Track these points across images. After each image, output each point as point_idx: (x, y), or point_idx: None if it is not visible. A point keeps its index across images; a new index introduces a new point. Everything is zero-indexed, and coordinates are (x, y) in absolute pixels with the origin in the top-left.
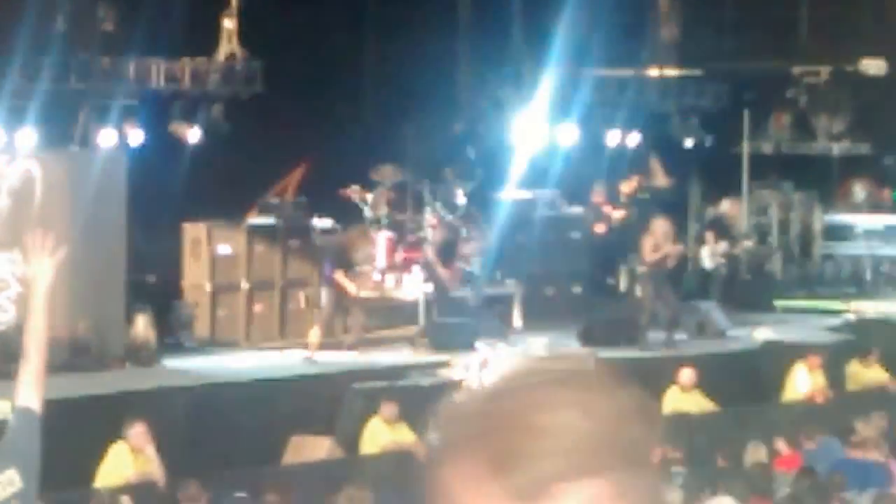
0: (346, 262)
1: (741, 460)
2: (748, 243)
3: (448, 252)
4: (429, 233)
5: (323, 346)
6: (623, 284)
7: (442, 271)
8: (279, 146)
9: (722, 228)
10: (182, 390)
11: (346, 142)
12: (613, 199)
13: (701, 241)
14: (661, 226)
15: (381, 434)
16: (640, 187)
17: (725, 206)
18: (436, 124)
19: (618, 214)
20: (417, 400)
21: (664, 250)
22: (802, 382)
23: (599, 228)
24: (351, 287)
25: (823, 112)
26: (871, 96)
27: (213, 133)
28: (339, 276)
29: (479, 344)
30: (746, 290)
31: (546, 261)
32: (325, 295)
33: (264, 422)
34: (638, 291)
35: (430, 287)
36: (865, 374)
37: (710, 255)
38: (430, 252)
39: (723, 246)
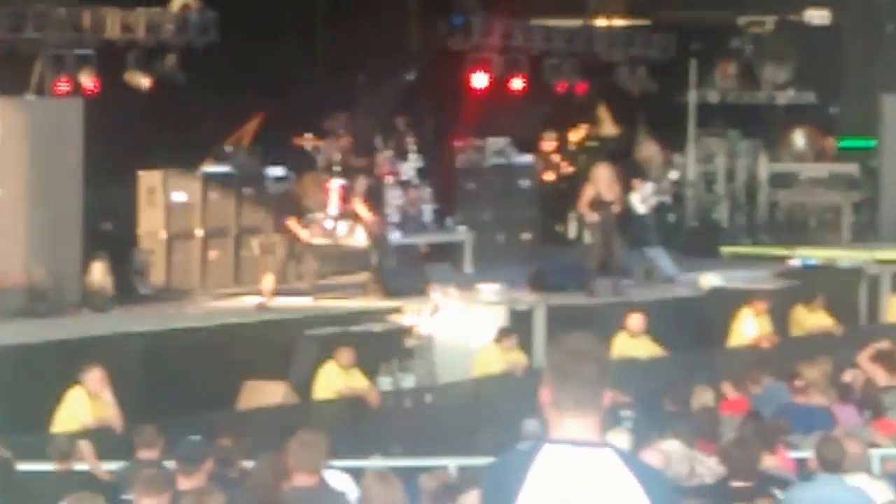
0: (298, 210)
1: (689, 404)
2: (671, 178)
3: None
4: (388, 181)
5: (277, 293)
6: (572, 232)
7: (366, 219)
8: (234, 95)
9: (643, 173)
10: (138, 336)
11: (300, 91)
12: (562, 147)
13: (629, 187)
14: (603, 173)
15: (334, 379)
16: (589, 136)
17: (643, 149)
18: (387, 73)
19: (566, 169)
20: (370, 346)
21: (610, 197)
22: (748, 328)
23: (548, 177)
24: (303, 234)
25: (768, 61)
26: (815, 46)
27: (169, 82)
28: (292, 223)
29: (430, 290)
30: (693, 237)
31: (496, 208)
32: (278, 241)
33: (219, 367)
34: (586, 238)
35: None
36: (810, 319)
37: (640, 200)
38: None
39: (648, 188)
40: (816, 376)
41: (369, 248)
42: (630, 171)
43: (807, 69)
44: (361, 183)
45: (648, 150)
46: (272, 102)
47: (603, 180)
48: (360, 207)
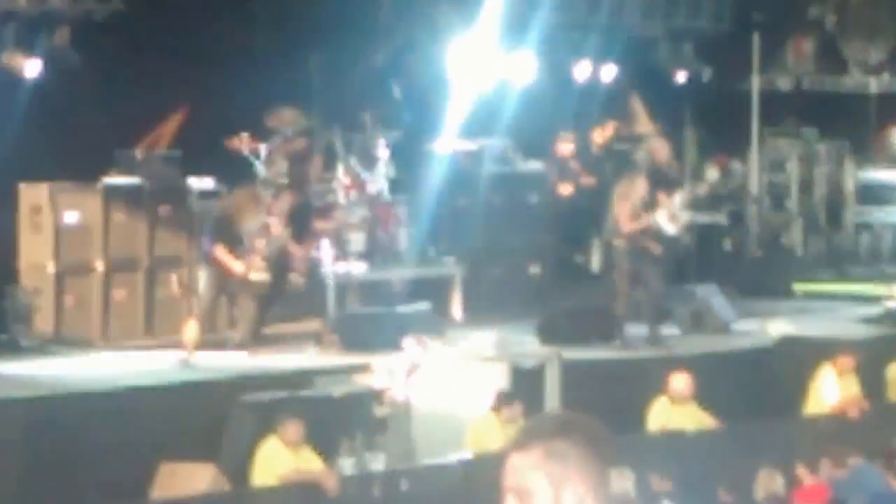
0: (231, 235)
1: (750, 492)
2: (709, 180)
3: (300, 222)
4: (340, 196)
5: (203, 345)
6: (596, 263)
7: (293, 247)
8: (146, 84)
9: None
10: (17, 402)
11: (234, 78)
12: (584, 151)
13: (653, 204)
14: (643, 186)
15: (278, 460)
16: (619, 136)
17: (654, 147)
18: (350, 55)
19: (588, 180)
20: (326, 416)
21: (646, 219)
22: (830, 390)
23: (565, 190)
24: (238, 266)
25: (857, 37)
26: None
27: (59, 65)
28: (222, 252)
29: (406, 342)
30: (757, 270)
31: (495, 232)
32: (204, 277)
33: (127, 443)
34: (614, 273)
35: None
36: None
37: (667, 217)
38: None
39: (677, 200)
40: None
41: (337, 284)
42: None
43: None
44: (287, 200)
45: (662, 150)
46: (197, 93)
47: (641, 194)
48: (278, 229)
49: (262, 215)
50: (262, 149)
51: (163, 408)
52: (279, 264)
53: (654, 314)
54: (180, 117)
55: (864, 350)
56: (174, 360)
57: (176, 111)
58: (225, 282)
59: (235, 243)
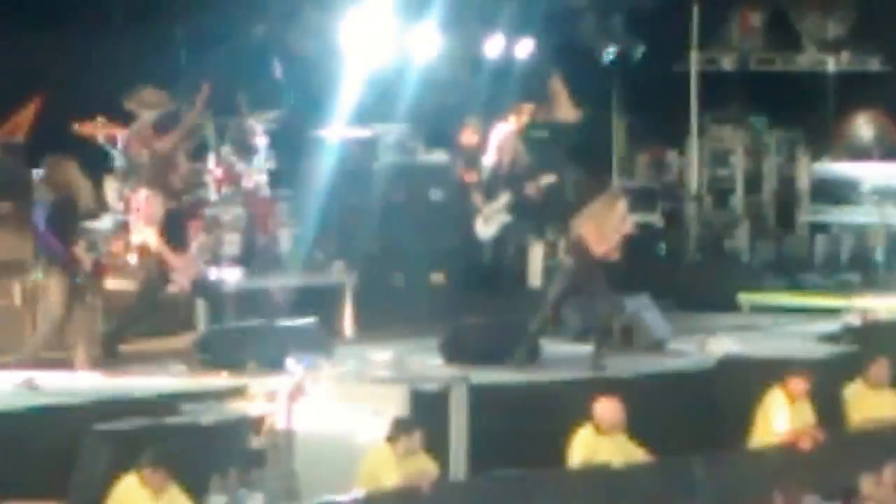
0: (84, 232)
1: None
2: (544, 182)
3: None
4: (212, 191)
5: (50, 364)
6: (534, 277)
7: (172, 259)
8: None
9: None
10: None
11: (87, 53)
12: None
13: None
14: (623, 207)
15: (136, 500)
16: (536, 122)
17: (467, 133)
18: (223, 27)
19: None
20: (194, 447)
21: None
22: (779, 418)
23: (471, 178)
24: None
25: (813, 9)
26: None
27: None
28: (80, 251)
29: (288, 362)
30: (696, 279)
31: (392, 234)
32: (54, 284)
33: None
34: (532, 278)
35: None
36: (875, 403)
37: (483, 221)
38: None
39: (501, 201)
40: (886, 493)
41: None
42: (602, 174)
43: (870, 22)
44: (159, 202)
45: (472, 136)
46: (44, 71)
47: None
48: (156, 241)
49: (117, 212)
50: (120, 135)
51: (3, 437)
52: (153, 275)
53: (602, 334)
54: (36, 104)
55: (818, 371)
56: (15, 383)
57: (29, 98)
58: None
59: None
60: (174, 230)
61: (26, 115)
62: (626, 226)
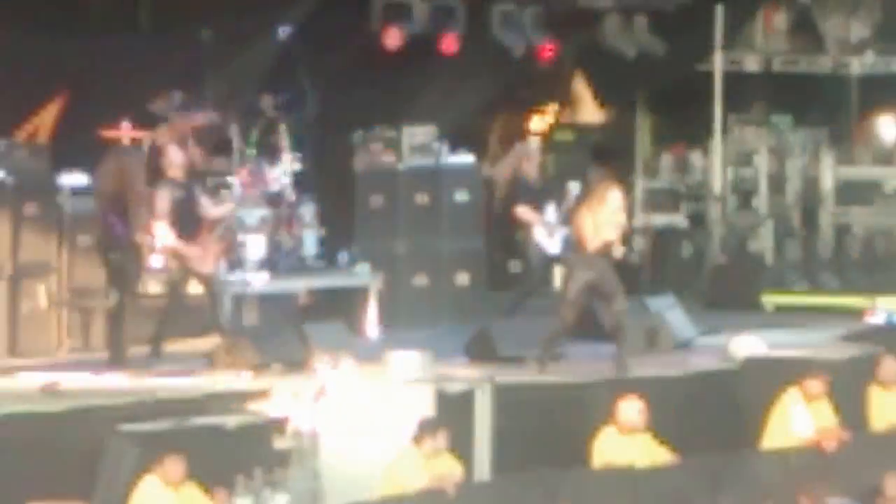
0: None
1: None
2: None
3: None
4: (237, 190)
5: (75, 366)
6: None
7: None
8: (11, 64)
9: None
10: None
11: (113, 57)
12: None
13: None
14: (615, 196)
15: (159, 501)
16: (560, 123)
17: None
18: (247, 28)
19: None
20: (219, 449)
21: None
22: (798, 418)
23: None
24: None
25: (836, 11)
26: None
27: None
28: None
29: (313, 363)
30: (721, 280)
31: (417, 236)
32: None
33: None
34: (556, 280)
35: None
36: (890, 403)
37: (547, 232)
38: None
39: (550, 213)
40: None
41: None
42: (624, 175)
43: (894, 25)
44: (165, 196)
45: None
46: (70, 75)
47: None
48: (166, 234)
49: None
50: (146, 138)
51: (29, 439)
52: (174, 276)
53: (622, 333)
54: (59, 105)
55: (840, 371)
56: (42, 385)
57: (52, 97)
58: None
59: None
60: (185, 221)
61: (50, 115)
62: (621, 217)
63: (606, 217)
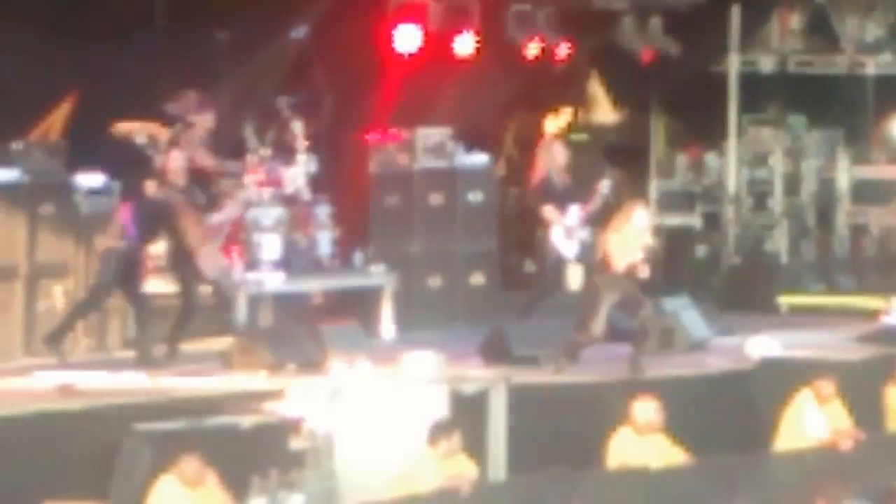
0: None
1: None
2: (603, 190)
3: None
4: (252, 192)
5: (92, 366)
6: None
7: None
8: (26, 64)
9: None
10: None
11: (129, 56)
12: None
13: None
14: (640, 215)
15: (175, 501)
16: (575, 124)
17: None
18: (264, 29)
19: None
20: (234, 449)
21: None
22: (811, 419)
23: (513, 186)
24: None
25: (852, 10)
26: None
27: None
28: None
29: (328, 364)
30: (736, 281)
31: (432, 237)
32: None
33: (2, 480)
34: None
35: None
36: None
37: (564, 235)
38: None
39: (573, 213)
40: None
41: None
42: (640, 176)
43: None
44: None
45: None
46: (85, 74)
47: (638, 224)
48: (192, 232)
49: None
50: (162, 138)
51: (45, 438)
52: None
53: (641, 337)
54: (70, 104)
55: (856, 372)
56: (57, 385)
57: (65, 97)
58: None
59: None
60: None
61: (61, 114)
62: (646, 237)
63: (633, 237)
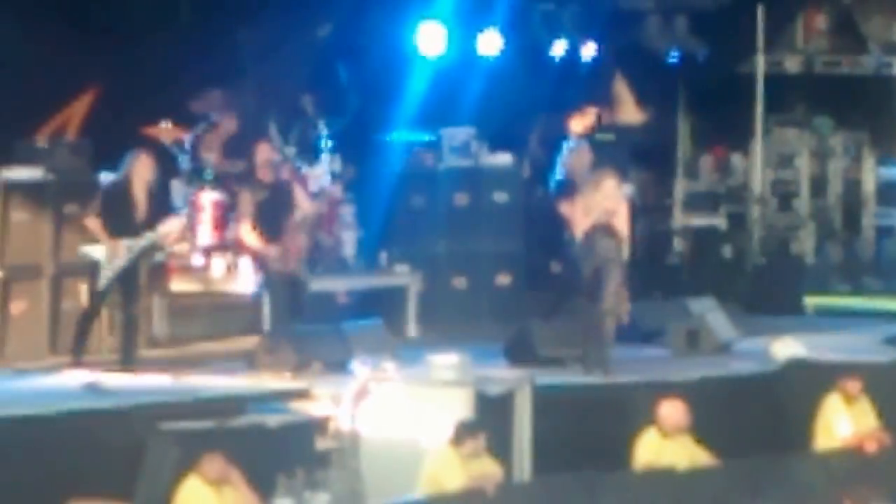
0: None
1: None
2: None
3: (272, 217)
4: None
5: (117, 365)
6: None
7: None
8: (50, 63)
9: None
10: None
11: (154, 56)
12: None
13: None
14: (609, 184)
15: (201, 500)
16: (601, 124)
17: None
18: (289, 28)
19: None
20: (260, 449)
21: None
22: (840, 421)
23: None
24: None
25: (878, 11)
26: None
27: None
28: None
29: (353, 364)
30: (762, 282)
31: (457, 237)
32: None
33: (28, 479)
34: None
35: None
36: None
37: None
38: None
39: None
40: None
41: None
42: (665, 177)
43: None
44: (247, 198)
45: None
46: (111, 74)
47: (608, 194)
48: (248, 234)
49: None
50: (186, 138)
51: (70, 438)
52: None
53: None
54: (90, 98)
55: (883, 375)
56: (83, 384)
57: (83, 92)
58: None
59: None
60: (268, 222)
61: (79, 109)
62: (611, 203)
63: (597, 202)
